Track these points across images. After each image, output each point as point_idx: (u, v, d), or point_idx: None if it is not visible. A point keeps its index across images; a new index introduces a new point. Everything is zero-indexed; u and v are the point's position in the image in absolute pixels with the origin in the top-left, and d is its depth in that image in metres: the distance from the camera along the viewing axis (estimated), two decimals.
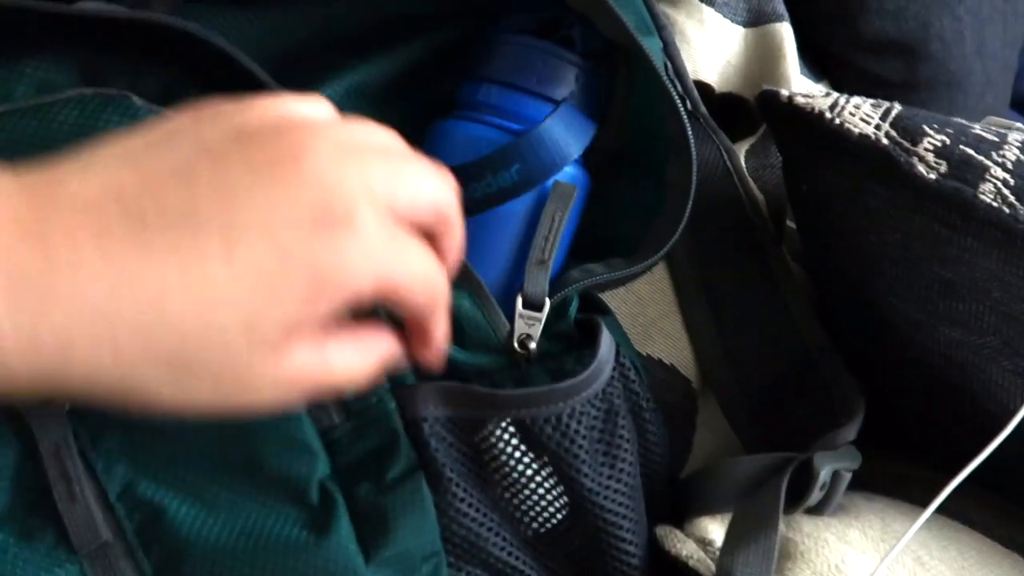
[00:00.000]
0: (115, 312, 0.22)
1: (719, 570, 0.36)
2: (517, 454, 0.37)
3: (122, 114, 0.34)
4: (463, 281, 0.38)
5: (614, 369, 0.39)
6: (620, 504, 0.38)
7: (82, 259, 0.22)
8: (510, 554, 0.38)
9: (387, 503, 0.35)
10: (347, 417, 0.36)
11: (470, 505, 0.37)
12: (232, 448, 0.34)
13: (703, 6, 0.59)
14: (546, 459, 0.37)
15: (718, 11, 0.58)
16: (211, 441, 0.34)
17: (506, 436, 0.37)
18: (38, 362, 0.22)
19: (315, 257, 0.23)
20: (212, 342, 0.23)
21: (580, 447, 0.37)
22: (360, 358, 0.27)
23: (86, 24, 0.33)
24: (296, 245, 0.23)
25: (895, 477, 0.47)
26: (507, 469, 0.37)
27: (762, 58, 0.58)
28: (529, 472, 0.37)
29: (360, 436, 0.36)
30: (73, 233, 0.22)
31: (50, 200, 0.22)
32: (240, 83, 0.35)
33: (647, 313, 0.49)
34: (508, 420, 0.37)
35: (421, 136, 0.43)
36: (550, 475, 0.38)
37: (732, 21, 0.59)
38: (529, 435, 0.37)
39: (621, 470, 0.38)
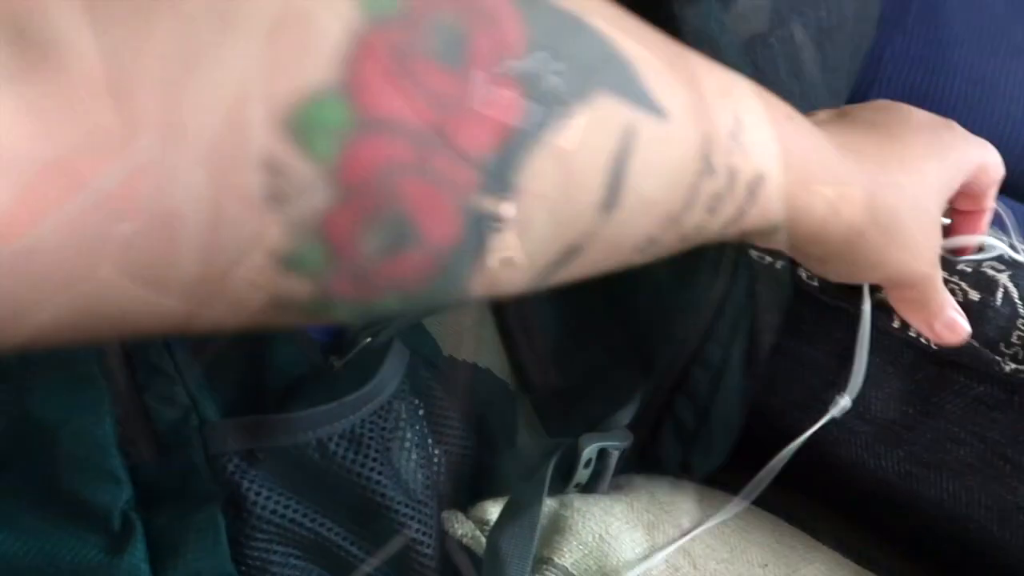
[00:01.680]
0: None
1: (488, 546, 0.39)
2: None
3: None
4: None
5: (404, 380, 0.43)
6: (401, 502, 0.41)
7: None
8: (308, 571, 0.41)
9: (181, 529, 0.37)
10: (158, 452, 0.38)
11: (266, 532, 0.39)
12: (42, 476, 0.36)
13: None
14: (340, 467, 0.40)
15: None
16: (24, 469, 0.37)
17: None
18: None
19: None
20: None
21: (367, 455, 0.41)
22: None
23: None
24: None
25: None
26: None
27: None
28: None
29: (166, 469, 0.38)
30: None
31: None
32: None
33: (463, 321, 0.52)
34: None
35: None
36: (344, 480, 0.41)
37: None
38: (325, 450, 0.40)
39: (406, 469, 0.42)
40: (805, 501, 0.46)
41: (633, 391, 0.47)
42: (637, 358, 0.48)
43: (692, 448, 0.49)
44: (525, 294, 0.59)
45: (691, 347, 0.48)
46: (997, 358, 0.40)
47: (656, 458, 0.48)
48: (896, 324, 0.43)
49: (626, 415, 0.45)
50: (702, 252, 0.43)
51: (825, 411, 0.42)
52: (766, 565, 0.41)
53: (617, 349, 0.50)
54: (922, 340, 0.42)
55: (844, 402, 0.40)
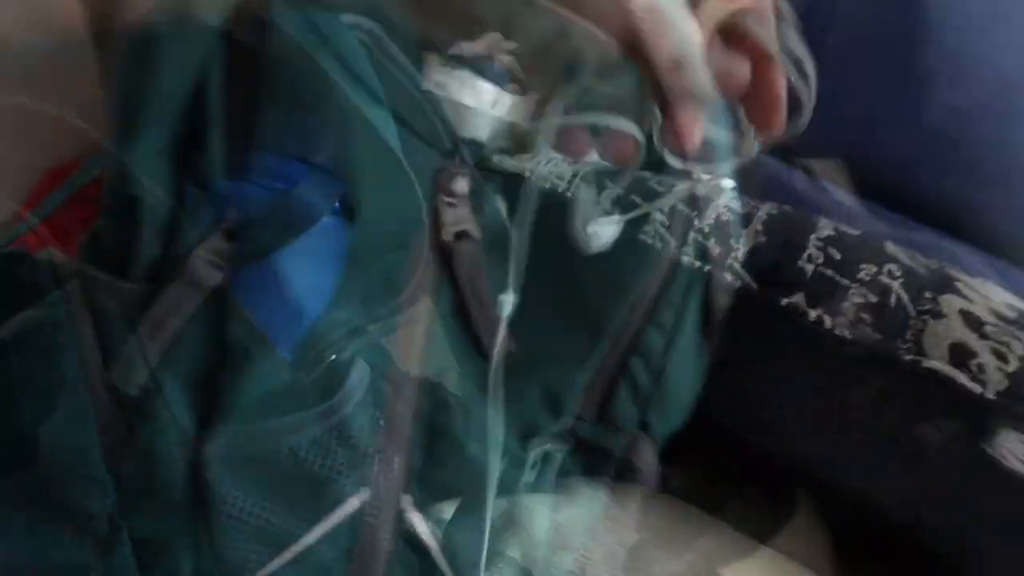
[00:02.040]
0: None
1: (444, 540, 0.43)
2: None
3: None
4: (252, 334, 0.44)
5: (366, 393, 0.47)
6: (366, 503, 0.44)
7: None
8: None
9: (165, 534, 0.40)
10: (139, 460, 0.41)
11: (244, 533, 0.42)
12: (30, 483, 0.39)
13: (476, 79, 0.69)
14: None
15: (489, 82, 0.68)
16: (13, 476, 0.40)
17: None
18: None
19: None
20: None
21: (335, 461, 0.44)
22: None
23: None
24: None
25: None
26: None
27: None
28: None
29: (149, 477, 0.41)
30: None
31: None
32: None
33: (415, 338, 0.56)
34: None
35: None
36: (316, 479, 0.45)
37: (503, 89, 0.68)
38: (296, 457, 0.43)
39: (369, 474, 0.46)
40: (732, 492, 0.51)
41: (587, 354, 0.50)
42: (590, 321, 0.51)
43: (648, 409, 0.51)
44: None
45: (644, 308, 0.50)
46: (899, 351, 0.45)
47: (614, 420, 0.50)
48: (812, 319, 0.47)
49: (564, 422, 0.49)
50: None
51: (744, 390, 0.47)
52: (691, 551, 0.45)
53: (569, 312, 0.52)
54: (835, 333, 0.47)
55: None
